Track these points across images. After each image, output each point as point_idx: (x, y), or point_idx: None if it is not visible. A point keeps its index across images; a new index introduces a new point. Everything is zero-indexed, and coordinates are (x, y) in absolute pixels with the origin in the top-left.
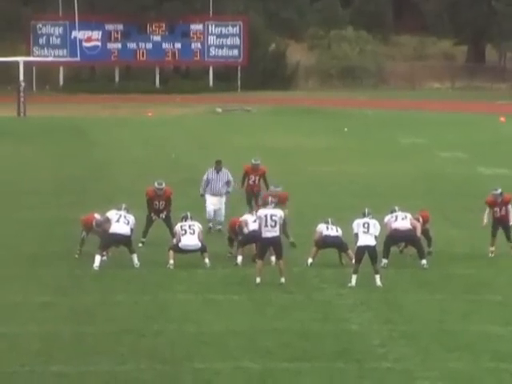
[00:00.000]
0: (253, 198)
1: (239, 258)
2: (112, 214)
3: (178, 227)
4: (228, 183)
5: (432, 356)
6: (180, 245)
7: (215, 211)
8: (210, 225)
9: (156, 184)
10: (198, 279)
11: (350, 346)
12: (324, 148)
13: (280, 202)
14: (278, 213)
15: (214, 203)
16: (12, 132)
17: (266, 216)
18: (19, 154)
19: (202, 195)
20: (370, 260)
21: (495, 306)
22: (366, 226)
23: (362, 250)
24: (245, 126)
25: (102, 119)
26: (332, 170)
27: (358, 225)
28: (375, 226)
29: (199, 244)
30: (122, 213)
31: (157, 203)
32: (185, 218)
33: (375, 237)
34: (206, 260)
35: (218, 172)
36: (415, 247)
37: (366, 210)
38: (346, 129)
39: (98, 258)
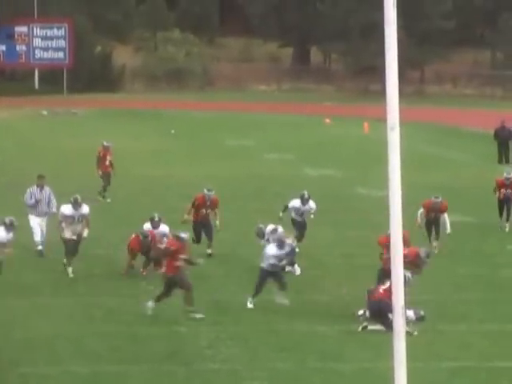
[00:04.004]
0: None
1: None
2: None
3: None
4: (50, 203)
5: (260, 356)
6: None
7: (42, 232)
8: (40, 248)
9: None
10: (26, 282)
11: (179, 347)
12: (151, 150)
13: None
14: None
15: (40, 224)
16: None
17: None
18: None
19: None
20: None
21: (322, 306)
22: None
23: None
24: (71, 129)
25: None
26: (160, 172)
27: None
28: None
29: None
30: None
31: None
32: None
33: None
34: None
35: (41, 190)
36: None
37: None
38: (172, 131)
39: None
